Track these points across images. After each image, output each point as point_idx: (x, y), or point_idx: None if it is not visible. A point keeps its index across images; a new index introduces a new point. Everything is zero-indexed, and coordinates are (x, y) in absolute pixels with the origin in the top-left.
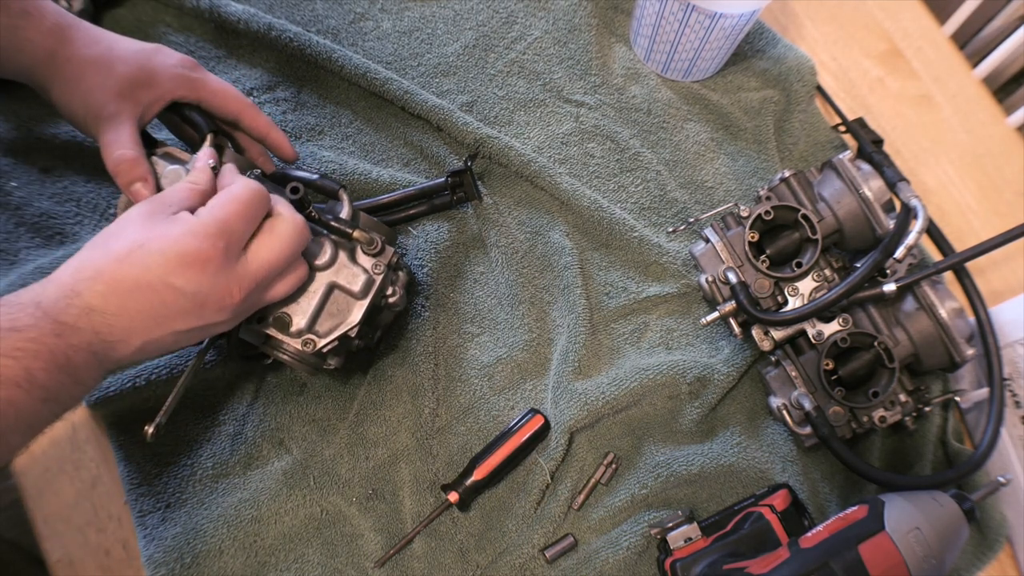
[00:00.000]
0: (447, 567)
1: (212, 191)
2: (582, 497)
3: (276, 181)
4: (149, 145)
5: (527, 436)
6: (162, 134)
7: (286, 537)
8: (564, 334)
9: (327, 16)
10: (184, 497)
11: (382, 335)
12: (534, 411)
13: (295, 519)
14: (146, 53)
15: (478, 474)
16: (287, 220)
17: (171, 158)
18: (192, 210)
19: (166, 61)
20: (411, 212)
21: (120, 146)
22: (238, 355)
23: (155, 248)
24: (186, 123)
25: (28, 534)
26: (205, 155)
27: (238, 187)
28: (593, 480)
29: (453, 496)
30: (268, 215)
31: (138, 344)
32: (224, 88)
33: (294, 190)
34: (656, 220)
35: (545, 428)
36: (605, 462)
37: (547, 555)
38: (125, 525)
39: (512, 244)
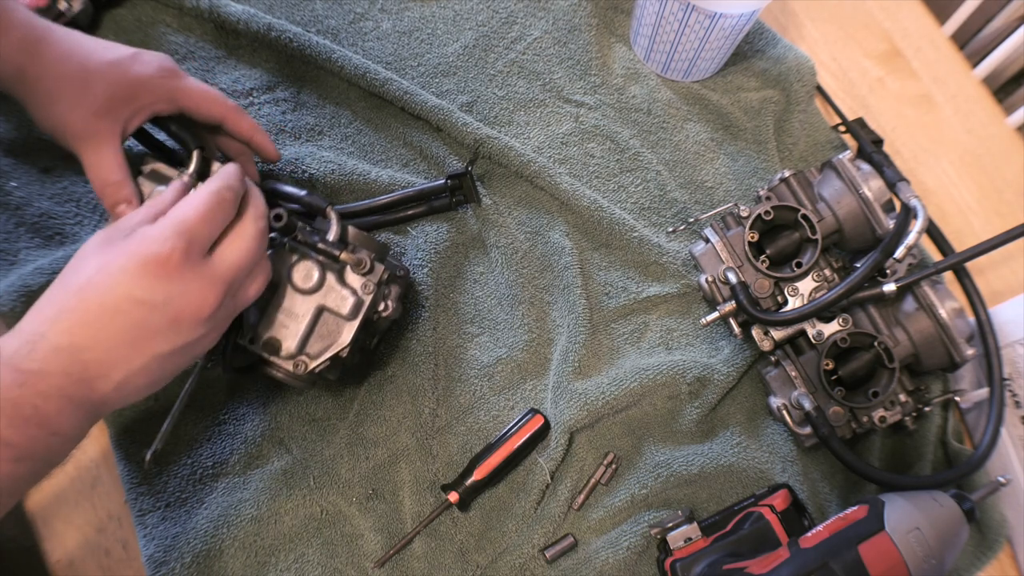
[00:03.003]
0: (447, 567)
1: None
2: (582, 497)
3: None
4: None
5: (527, 436)
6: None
7: (286, 537)
8: (564, 334)
9: (327, 16)
10: (184, 497)
11: (380, 339)
12: (534, 411)
13: (295, 519)
14: (123, 65)
15: (478, 474)
16: (253, 219)
17: (158, 176)
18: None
19: (144, 71)
20: (409, 213)
21: (103, 169)
22: (233, 367)
23: (115, 267)
24: (172, 137)
25: (28, 534)
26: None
27: (204, 188)
28: (593, 480)
29: (453, 496)
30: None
31: (120, 377)
32: (205, 92)
33: (277, 217)
34: (656, 220)
35: (545, 428)
36: (605, 462)
37: (547, 555)
38: (125, 525)
39: (512, 244)
